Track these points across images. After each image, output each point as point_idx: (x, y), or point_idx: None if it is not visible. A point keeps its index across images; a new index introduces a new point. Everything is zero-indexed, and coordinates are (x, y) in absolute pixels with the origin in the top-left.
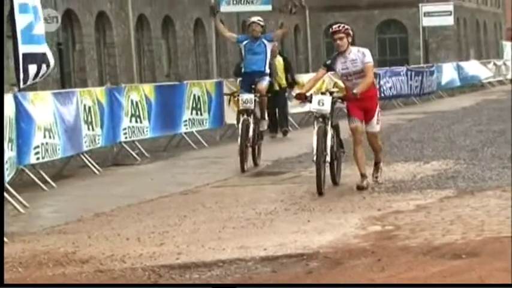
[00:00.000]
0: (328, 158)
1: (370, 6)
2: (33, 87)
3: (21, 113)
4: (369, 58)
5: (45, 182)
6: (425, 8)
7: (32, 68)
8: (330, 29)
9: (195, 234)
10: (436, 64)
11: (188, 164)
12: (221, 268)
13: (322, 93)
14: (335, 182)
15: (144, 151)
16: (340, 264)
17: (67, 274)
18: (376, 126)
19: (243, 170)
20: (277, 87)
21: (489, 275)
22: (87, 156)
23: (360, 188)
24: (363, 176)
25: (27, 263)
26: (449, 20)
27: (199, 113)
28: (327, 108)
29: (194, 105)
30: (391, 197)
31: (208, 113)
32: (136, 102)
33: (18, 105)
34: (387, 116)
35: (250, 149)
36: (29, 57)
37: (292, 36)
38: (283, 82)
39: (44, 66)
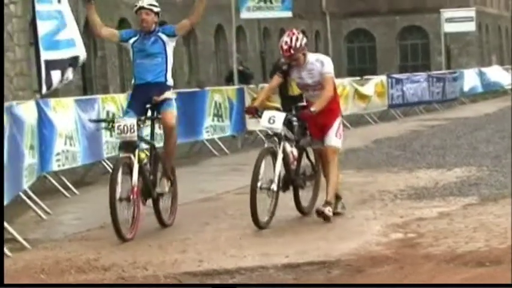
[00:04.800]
0: (274, 186)
1: (392, 12)
2: (55, 94)
3: (43, 120)
4: (327, 68)
5: (67, 188)
6: (446, 14)
7: (55, 74)
8: (280, 50)
9: (217, 241)
10: (458, 70)
11: (209, 171)
12: (243, 276)
13: (277, 109)
14: (302, 212)
15: None
16: (362, 272)
17: (89, 281)
18: (334, 139)
19: (121, 237)
20: (294, 92)
21: None
22: (108, 163)
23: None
24: (337, 197)
25: (49, 270)
26: (471, 26)
27: (220, 119)
28: (277, 126)
29: (215, 111)
30: (413, 204)
31: (230, 119)
32: None
33: (41, 112)
34: (409, 122)
35: (138, 205)
36: (52, 64)
37: (313, 42)
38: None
39: (70, 70)
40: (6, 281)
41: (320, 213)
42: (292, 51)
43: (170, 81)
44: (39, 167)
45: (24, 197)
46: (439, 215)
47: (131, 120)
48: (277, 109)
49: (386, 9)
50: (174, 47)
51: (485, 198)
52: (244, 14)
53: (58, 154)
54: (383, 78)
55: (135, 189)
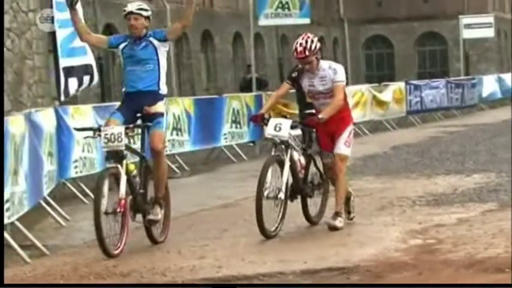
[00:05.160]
0: (281, 195)
1: (410, 19)
2: (74, 101)
3: (62, 127)
4: (340, 76)
5: (86, 195)
6: (465, 20)
7: (72, 82)
8: (294, 52)
9: (235, 247)
10: (477, 76)
11: (228, 177)
12: (261, 281)
13: (283, 116)
14: (311, 221)
15: (183, 164)
16: (381, 278)
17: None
18: (342, 147)
19: (106, 253)
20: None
21: None
22: None
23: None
24: (348, 198)
25: (68, 276)
26: (489, 32)
27: (238, 126)
28: (284, 134)
29: (233, 118)
30: (432, 210)
31: (248, 126)
32: (178, 116)
33: (59, 119)
34: (427, 128)
35: (126, 219)
36: (70, 71)
37: (331, 49)
38: None
39: (86, 78)
40: (23, 286)
41: (332, 228)
42: (307, 53)
43: (164, 90)
44: (57, 173)
45: (44, 204)
46: (458, 221)
47: (118, 129)
48: (284, 116)
49: (405, 16)
50: (166, 52)
51: (504, 204)
52: (263, 21)
53: (76, 161)
54: (401, 84)
55: (122, 202)
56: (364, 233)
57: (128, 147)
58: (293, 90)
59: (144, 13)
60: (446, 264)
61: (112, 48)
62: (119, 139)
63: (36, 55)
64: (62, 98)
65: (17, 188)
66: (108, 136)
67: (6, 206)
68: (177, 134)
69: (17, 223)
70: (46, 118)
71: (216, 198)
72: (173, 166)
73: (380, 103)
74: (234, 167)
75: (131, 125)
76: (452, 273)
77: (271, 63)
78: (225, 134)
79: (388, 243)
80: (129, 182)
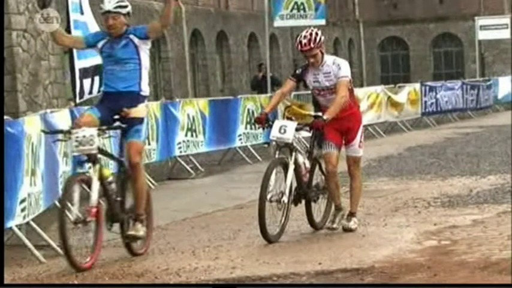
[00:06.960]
0: (285, 198)
1: (425, 20)
2: (89, 102)
3: None
4: (344, 72)
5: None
6: (481, 21)
7: (86, 82)
8: (298, 45)
9: (250, 248)
10: (492, 78)
11: (242, 178)
12: (276, 282)
13: (288, 118)
14: (314, 226)
15: (198, 165)
16: (395, 279)
17: None
18: (358, 150)
19: (74, 266)
20: None
21: None
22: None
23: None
24: (338, 208)
25: (83, 276)
26: (505, 33)
27: (253, 127)
28: (288, 136)
29: (248, 119)
30: (447, 212)
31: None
32: (193, 117)
33: (74, 120)
34: (442, 130)
35: (99, 229)
36: (84, 72)
37: (347, 50)
38: None
39: (96, 79)
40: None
41: (347, 229)
42: (311, 45)
43: (145, 91)
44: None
45: (59, 204)
46: (473, 222)
47: (90, 131)
48: (289, 118)
49: (420, 17)
50: (149, 50)
51: None
52: (278, 22)
53: None
54: (416, 86)
55: (94, 210)
56: (379, 234)
57: (101, 151)
58: (309, 92)
59: (123, 10)
60: (461, 265)
61: (90, 47)
62: (91, 142)
63: (51, 56)
64: (78, 99)
65: (34, 189)
66: (79, 139)
67: (22, 206)
68: (192, 135)
69: (32, 223)
70: (61, 119)
71: (231, 199)
72: (188, 167)
73: (395, 104)
74: (249, 168)
75: (104, 127)
76: (467, 275)
77: (286, 64)
78: (239, 135)
79: (403, 244)
80: (104, 188)
